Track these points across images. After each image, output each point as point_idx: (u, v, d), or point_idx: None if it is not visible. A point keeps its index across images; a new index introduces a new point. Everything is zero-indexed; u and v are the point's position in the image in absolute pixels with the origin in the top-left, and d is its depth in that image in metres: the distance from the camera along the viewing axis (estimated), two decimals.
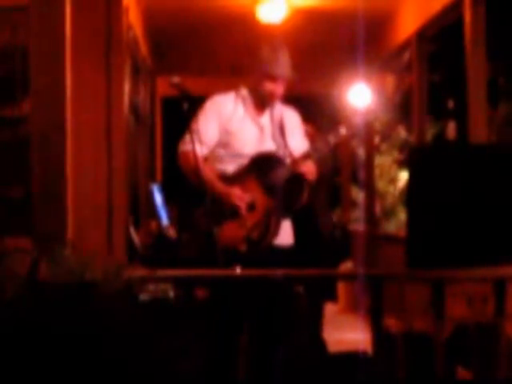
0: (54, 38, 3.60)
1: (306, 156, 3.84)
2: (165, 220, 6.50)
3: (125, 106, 4.27)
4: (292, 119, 4.05)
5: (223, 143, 3.91)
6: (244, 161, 3.88)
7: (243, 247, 3.76)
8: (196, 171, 3.64)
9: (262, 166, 3.88)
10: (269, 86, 3.89)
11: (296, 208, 3.93)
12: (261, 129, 3.95)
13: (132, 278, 2.95)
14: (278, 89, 3.91)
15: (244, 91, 3.98)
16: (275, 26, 6.71)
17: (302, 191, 3.87)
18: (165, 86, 7.81)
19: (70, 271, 2.83)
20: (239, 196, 3.79)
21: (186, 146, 3.86)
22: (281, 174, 3.85)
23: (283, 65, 3.87)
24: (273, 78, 3.87)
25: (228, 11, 6.72)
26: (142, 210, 6.81)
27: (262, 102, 3.95)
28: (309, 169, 3.83)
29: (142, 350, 2.77)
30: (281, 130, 3.95)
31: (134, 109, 6.50)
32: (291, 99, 4.12)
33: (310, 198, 3.98)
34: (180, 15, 6.88)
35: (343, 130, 3.89)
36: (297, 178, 3.85)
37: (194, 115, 3.84)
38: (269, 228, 3.82)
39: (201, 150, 3.68)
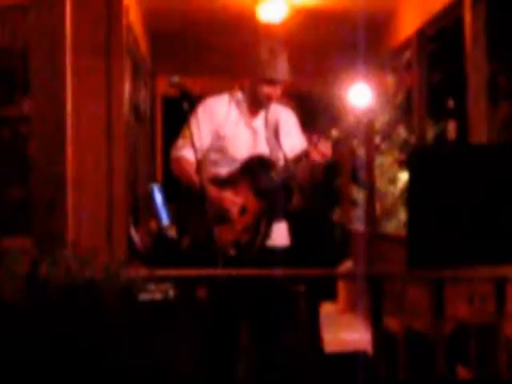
0: (54, 38, 3.61)
1: (299, 158, 3.81)
2: (165, 220, 6.50)
3: (125, 105, 4.27)
4: (288, 119, 4.03)
5: (217, 148, 3.89)
6: (238, 165, 3.87)
7: (232, 251, 3.74)
8: (190, 176, 3.65)
9: (254, 169, 3.86)
10: (265, 90, 3.86)
11: (288, 211, 3.91)
12: (254, 132, 3.94)
13: (132, 278, 2.95)
14: (275, 92, 3.88)
15: (238, 94, 3.95)
16: (275, 25, 6.71)
17: (292, 194, 3.85)
18: (165, 86, 7.81)
19: (70, 271, 2.83)
20: (231, 200, 3.77)
21: (177, 151, 3.86)
22: (272, 178, 3.83)
23: (281, 68, 3.84)
24: (270, 82, 3.85)
25: (228, 11, 6.72)
26: (142, 209, 6.81)
27: (257, 105, 3.93)
28: (321, 150, 3.78)
29: (141, 350, 2.77)
30: (275, 132, 3.93)
31: (134, 109, 6.50)
32: (292, 99, 4.10)
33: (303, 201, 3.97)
34: (180, 15, 6.88)
35: (335, 133, 3.86)
36: (288, 181, 3.83)
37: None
38: (259, 231, 3.80)
39: (193, 155, 3.65)
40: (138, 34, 6.27)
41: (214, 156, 3.90)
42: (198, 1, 6.51)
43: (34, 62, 3.62)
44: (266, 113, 3.96)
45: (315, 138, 3.81)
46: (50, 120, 3.61)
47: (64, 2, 3.62)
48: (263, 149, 3.92)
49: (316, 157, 3.75)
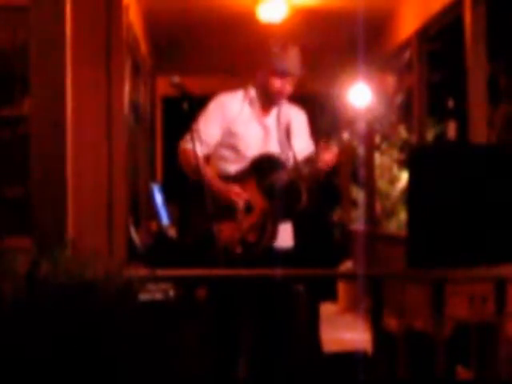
0: (54, 38, 3.60)
1: (307, 160, 3.80)
2: (165, 220, 6.50)
3: (125, 105, 4.27)
4: (299, 119, 4.02)
5: (228, 145, 3.88)
6: (248, 162, 3.87)
7: (239, 249, 3.74)
8: (195, 169, 3.64)
9: (262, 168, 3.86)
10: (277, 83, 3.85)
11: (295, 212, 3.89)
12: (266, 130, 3.93)
13: (132, 278, 2.95)
14: (286, 86, 3.87)
15: (252, 91, 3.95)
16: (275, 25, 6.72)
17: (300, 195, 3.84)
18: (165, 86, 7.81)
19: (70, 271, 2.83)
20: (237, 192, 3.78)
21: (186, 143, 3.86)
22: (280, 177, 3.82)
23: (292, 61, 3.83)
24: (281, 75, 3.84)
25: (228, 11, 6.72)
26: (141, 209, 6.81)
27: (269, 101, 3.92)
28: (327, 158, 3.79)
29: (142, 350, 2.77)
30: (287, 132, 3.92)
31: (134, 109, 6.50)
32: (292, 99, 4.10)
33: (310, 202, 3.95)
34: (180, 15, 6.89)
35: (346, 136, 3.85)
36: (296, 182, 3.82)
37: (194, 114, 3.83)
38: (265, 231, 3.79)
39: (201, 150, 3.67)
40: (137, 34, 6.27)
41: (224, 152, 3.90)
42: (198, 1, 6.52)
43: (34, 62, 3.62)
44: (279, 111, 3.95)
45: (322, 143, 3.81)
46: (50, 120, 3.61)
47: (64, 2, 3.62)
48: (274, 147, 3.92)
49: (323, 162, 3.76)
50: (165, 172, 8.86)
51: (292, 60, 3.84)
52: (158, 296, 3.85)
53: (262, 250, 3.78)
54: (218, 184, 3.78)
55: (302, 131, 4.00)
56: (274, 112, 3.96)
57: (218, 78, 8.36)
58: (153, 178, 7.90)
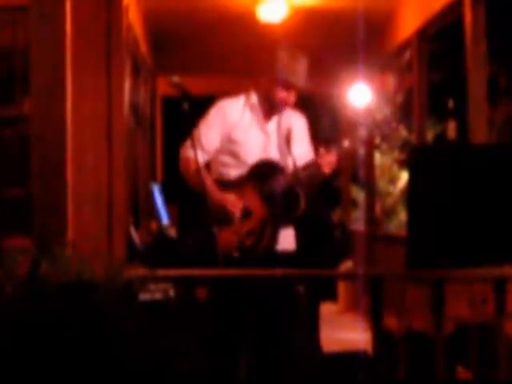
0: (54, 38, 3.61)
1: (307, 166, 3.80)
2: (165, 220, 6.50)
3: (125, 106, 4.26)
4: (299, 125, 4.00)
5: (228, 151, 3.87)
6: (247, 167, 3.86)
7: (236, 254, 3.73)
8: (196, 177, 3.64)
9: (261, 173, 3.84)
10: (281, 94, 3.82)
11: (294, 217, 3.88)
12: (267, 136, 3.91)
13: (132, 277, 2.95)
14: (291, 97, 3.86)
15: (254, 97, 3.92)
16: (275, 25, 6.72)
17: (299, 200, 3.83)
18: (165, 86, 7.81)
19: (70, 271, 2.83)
20: (233, 202, 3.76)
21: (187, 151, 3.84)
22: (279, 183, 3.81)
23: (300, 74, 3.81)
24: (287, 86, 3.83)
25: (228, 11, 6.72)
26: (142, 209, 6.81)
27: (271, 109, 3.89)
28: (329, 160, 3.79)
29: (141, 350, 2.77)
30: (287, 138, 3.89)
31: (134, 109, 6.50)
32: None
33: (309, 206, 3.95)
34: (180, 15, 6.89)
35: (346, 143, 3.85)
36: (295, 187, 3.81)
37: (195, 115, 3.82)
38: (263, 236, 3.78)
39: (201, 157, 3.65)
40: (138, 34, 6.27)
41: (225, 158, 3.88)
42: (198, 1, 6.52)
43: (34, 62, 3.62)
44: (280, 117, 3.93)
45: (322, 149, 3.81)
46: (50, 120, 3.61)
47: (64, 2, 3.63)
48: (274, 154, 3.90)
49: (324, 169, 3.76)
50: (165, 172, 8.85)
51: (300, 72, 3.81)
52: (158, 296, 3.85)
53: (259, 255, 3.77)
54: (216, 194, 3.75)
55: (302, 137, 3.99)
56: (275, 118, 3.94)
57: (219, 78, 8.36)
58: (153, 178, 7.90)
